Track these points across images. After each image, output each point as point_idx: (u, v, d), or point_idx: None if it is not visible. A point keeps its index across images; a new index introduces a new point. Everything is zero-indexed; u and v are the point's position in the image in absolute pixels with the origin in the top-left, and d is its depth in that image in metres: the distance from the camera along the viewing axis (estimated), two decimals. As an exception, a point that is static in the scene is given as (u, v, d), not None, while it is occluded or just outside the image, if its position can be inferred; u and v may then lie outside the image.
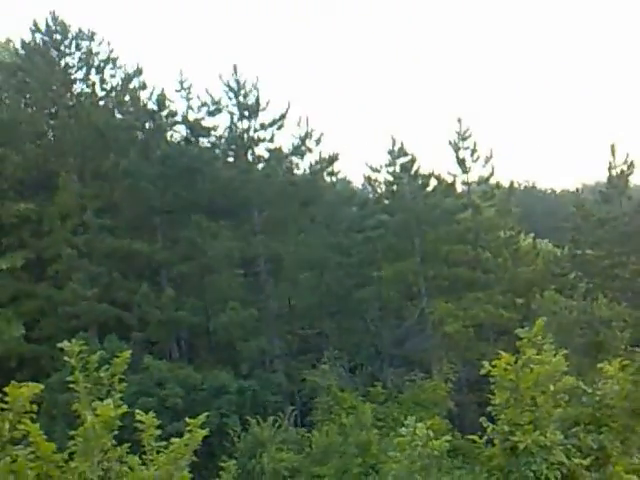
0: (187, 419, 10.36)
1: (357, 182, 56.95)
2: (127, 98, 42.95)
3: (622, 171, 41.77)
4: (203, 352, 40.14)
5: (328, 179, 47.04)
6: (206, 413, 10.82)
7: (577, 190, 55.75)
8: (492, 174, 42.81)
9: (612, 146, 41.76)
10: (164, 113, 42.10)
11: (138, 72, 43.18)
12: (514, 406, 13.02)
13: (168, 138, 43.18)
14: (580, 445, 13.24)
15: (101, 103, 43.83)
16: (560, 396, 13.75)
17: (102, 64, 43.24)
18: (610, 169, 41.94)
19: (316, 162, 44.51)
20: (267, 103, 42.25)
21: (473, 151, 42.23)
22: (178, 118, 42.73)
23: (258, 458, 27.99)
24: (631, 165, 41.64)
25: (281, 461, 27.60)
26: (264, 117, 42.29)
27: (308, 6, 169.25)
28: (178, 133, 43.54)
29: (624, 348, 27.47)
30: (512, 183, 47.29)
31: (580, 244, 41.94)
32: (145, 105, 42.30)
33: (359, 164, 43.30)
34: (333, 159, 44.83)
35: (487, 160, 42.35)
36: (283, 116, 42.53)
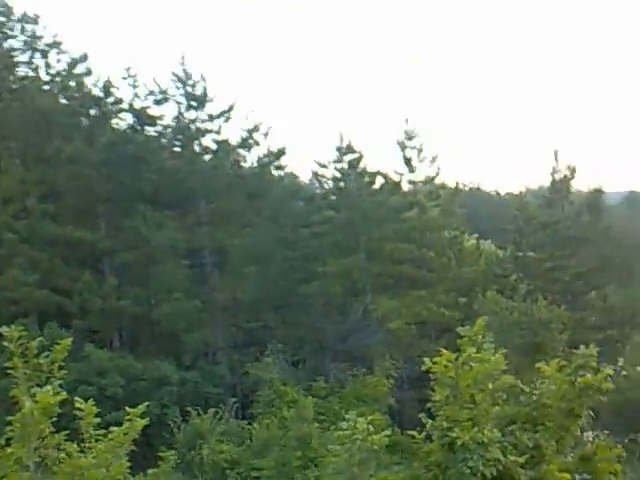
0: (127, 408, 10.30)
1: (304, 177, 56.87)
2: (72, 84, 42.19)
3: (564, 176, 42.58)
4: (145, 342, 39.77)
5: (275, 173, 47.05)
6: (146, 403, 10.79)
7: (521, 193, 56.62)
8: (438, 174, 43.28)
9: (555, 152, 42.61)
10: (110, 100, 41.55)
11: (83, 58, 42.45)
12: (453, 403, 13.21)
13: (113, 125, 42.62)
14: (516, 443, 13.49)
15: (45, 88, 43.00)
16: (498, 394, 14.00)
17: (47, 48, 42.44)
18: (553, 174, 42.72)
19: (264, 155, 44.45)
20: (215, 95, 42.17)
21: (419, 151, 42.62)
22: (124, 106, 42.22)
23: (198, 449, 27.89)
24: (573, 170, 42.48)
25: (221, 453, 27.55)
26: (212, 108, 42.13)
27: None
28: (124, 121, 43.08)
29: (562, 349, 28.04)
30: (457, 184, 47.99)
31: (522, 246, 42.61)
32: (90, 91, 41.64)
33: (307, 159, 43.47)
34: (281, 153, 44.83)
35: (433, 160, 42.80)
36: (231, 108, 42.40)
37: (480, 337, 14.89)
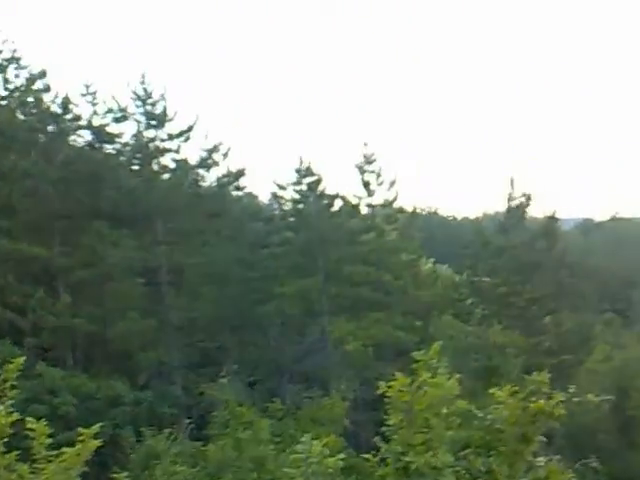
0: (80, 429, 10.17)
1: (264, 198, 56.91)
2: (30, 99, 41.77)
3: (520, 203, 43.27)
4: (99, 361, 39.22)
5: (235, 193, 47.02)
6: (100, 423, 10.64)
7: (477, 219, 57.43)
8: (396, 198, 43.72)
9: (512, 179, 43.28)
10: (68, 117, 41.18)
11: (42, 74, 42.04)
12: (407, 427, 13.24)
13: (71, 142, 42.23)
14: (469, 467, 13.57)
15: (3, 103, 42.50)
16: (452, 419, 14.09)
17: (5, 63, 41.97)
18: (509, 200, 43.36)
19: (223, 175, 44.43)
20: (175, 114, 41.99)
21: (378, 175, 43.07)
22: (83, 122, 41.89)
23: (151, 470, 27.51)
24: (529, 198, 43.17)
25: (175, 474, 27.16)
26: (171, 127, 42.00)
27: (218, 18, 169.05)
28: (82, 138, 42.70)
29: (516, 374, 28.32)
30: (415, 208, 48.54)
31: (478, 271, 43.09)
32: (49, 108, 41.25)
33: (268, 180, 43.56)
34: (240, 174, 44.86)
35: (391, 184, 43.30)
36: (191, 128, 42.30)
37: (435, 361, 14.99)
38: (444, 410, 13.87)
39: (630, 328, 58.74)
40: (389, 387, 13.85)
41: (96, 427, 10.33)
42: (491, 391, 15.06)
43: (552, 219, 44.73)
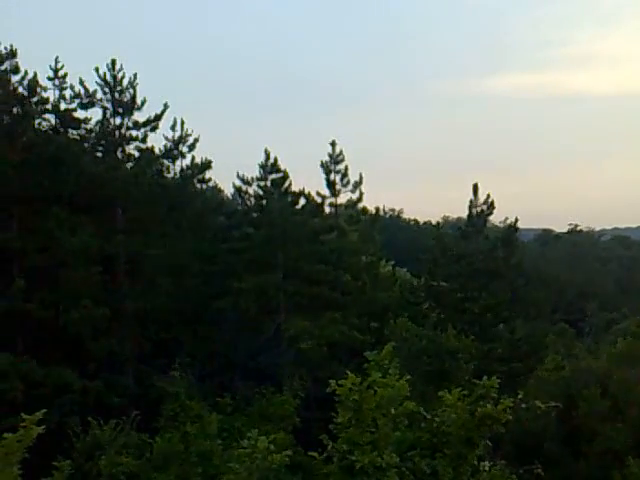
0: (23, 415, 10.06)
1: (229, 192, 56.69)
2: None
3: (482, 210, 43.63)
4: (50, 348, 38.74)
5: (198, 186, 46.79)
6: (43, 410, 10.54)
7: (438, 224, 57.74)
8: (360, 199, 43.79)
9: (475, 185, 43.59)
10: (34, 100, 40.63)
11: (11, 54, 41.41)
12: (355, 426, 13.34)
13: (36, 126, 41.68)
14: (414, 469, 13.71)
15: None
16: (400, 420, 14.22)
17: (-27, 43, 41.23)
18: (471, 207, 43.70)
19: (187, 167, 44.23)
20: (143, 102, 41.55)
21: (344, 175, 43.15)
22: (49, 107, 41.35)
23: (95, 460, 27.28)
24: (491, 206, 43.54)
25: (119, 465, 26.97)
26: (139, 116, 41.65)
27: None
28: (47, 122, 42.16)
29: (467, 379, 28.57)
30: (377, 210, 48.72)
31: (436, 276, 43.36)
32: (15, 89, 40.63)
33: (232, 172, 43.48)
34: (205, 166, 44.70)
35: (356, 185, 43.36)
36: (158, 117, 41.98)
37: (387, 362, 15.13)
38: (392, 410, 14.00)
39: (582, 339, 59.71)
40: (340, 386, 13.95)
41: (39, 414, 10.23)
42: (440, 394, 15.23)
43: (512, 228, 45.22)
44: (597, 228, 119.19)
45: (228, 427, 30.75)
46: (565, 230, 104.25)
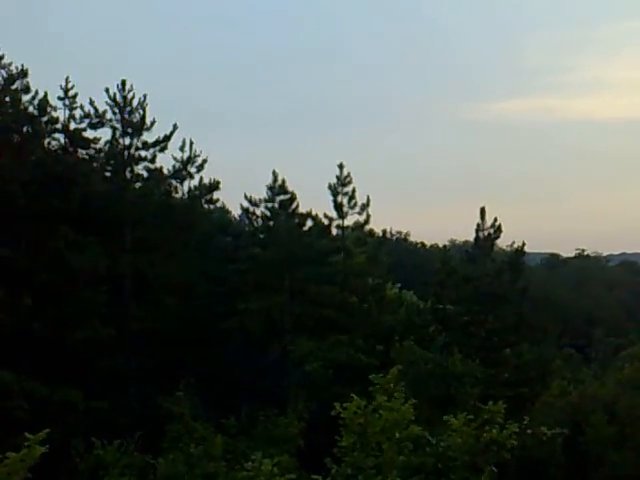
0: (27, 434, 10.02)
1: (236, 212, 56.69)
2: (7, 99, 41.39)
3: (489, 234, 43.64)
4: (55, 366, 38.69)
5: (206, 206, 46.88)
6: (47, 430, 10.48)
7: (445, 247, 57.70)
8: (367, 221, 43.81)
9: (482, 209, 43.63)
10: (44, 119, 40.89)
11: (23, 74, 41.76)
12: (359, 449, 13.29)
13: (45, 145, 41.91)
14: (419, 493, 13.62)
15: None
16: (405, 444, 14.15)
17: (-15, 61, 41.59)
18: (478, 231, 43.71)
19: (195, 188, 44.32)
20: (152, 123, 41.75)
21: (351, 197, 43.21)
22: (58, 126, 41.60)
23: (99, 481, 27.23)
24: (498, 229, 43.55)
25: (123, 486, 26.92)
26: (148, 136, 41.83)
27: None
28: (57, 141, 42.37)
29: (472, 403, 28.45)
30: (385, 232, 48.81)
31: (442, 299, 43.30)
32: (26, 108, 40.90)
33: (240, 193, 43.67)
34: (213, 187, 44.79)
35: (364, 207, 43.39)
36: (167, 138, 42.15)
37: (392, 385, 15.07)
38: (397, 434, 13.94)
39: (588, 364, 59.35)
40: (344, 409, 13.90)
41: (43, 433, 10.19)
42: (446, 418, 15.15)
43: (519, 252, 45.16)
44: (605, 253, 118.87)
45: (232, 449, 30.63)
46: (572, 255, 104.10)
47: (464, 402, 29.16)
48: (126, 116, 41.42)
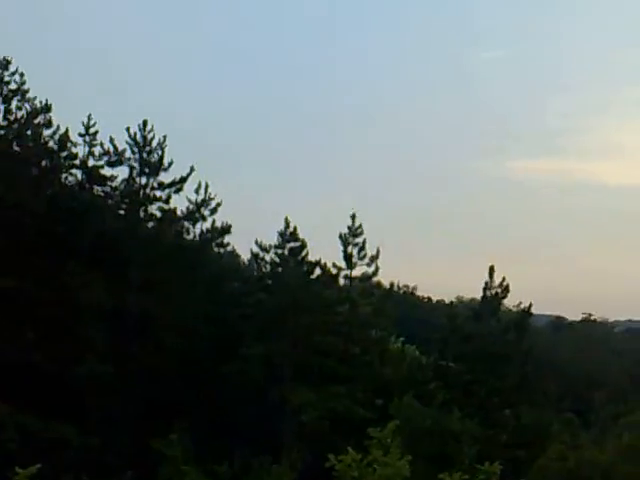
0: (17, 468, 10.07)
1: (244, 256, 56.82)
2: (29, 132, 42.04)
3: (496, 293, 43.70)
4: (51, 400, 38.60)
5: (216, 249, 47.09)
6: (38, 465, 10.51)
7: (452, 303, 57.69)
8: (375, 273, 43.96)
9: (491, 267, 43.78)
10: (63, 154, 41.49)
11: (46, 108, 42.49)
12: (352, 504, 13.27)
13: (62, 180, 42.44)
14: None
15: (1, 132, 42.70)
16: (398, 501, 14.10)
17: (10, 94, 42.35)
18: (485, 289, 43.79)
19: (207, 230, 44.56)
20: (170, 164, 42.24)
21: (361, 249, 43.42)
22: (77, 162, 42.19)
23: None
24: (506, 289, 43.61)
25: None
26: (164, 176, 42.26)
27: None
28: (74, 177, 42.91)
29: (469, 463, 28.30)
30: (392, 285, 48.81)
31: (445, 355, 43.23)
32: (46, 143, 41.54)
33: (251, 237, 44.02)
34: (225, 230, 45.00)
35: (373, 259, 43.55)
36: (184, 179, 42.50)
37: (389, 440, 15.09)
38: (390, 491, 13.91)
39: (588, 430, 58.75)
40: (339, 461, 13.90)
41: (34, 468, 10.23)
42: (441, 477, 15.13)
43: (526, 313, 45.15)
44: (611, 319, 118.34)
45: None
46: (579, 318, 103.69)
47: (460, 461, 29.00)
48: (145, 156, 41.91)
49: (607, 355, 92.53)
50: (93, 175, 42.26)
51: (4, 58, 42.03)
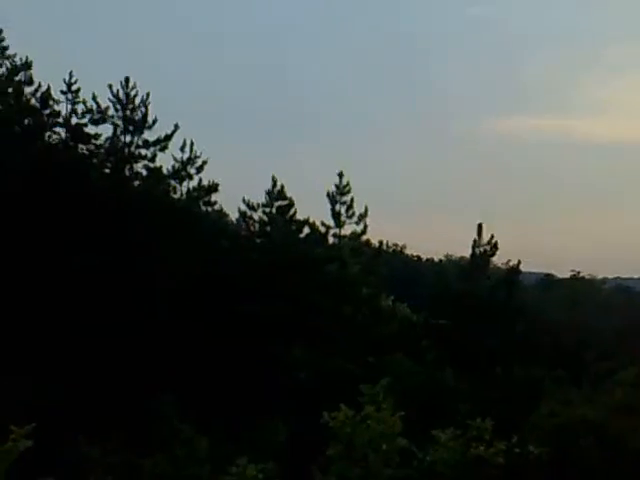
0: (13, 427, 9.94)
1: (232, 215, 56.41)
2: (10, 90, 41.32)
3: (485, 251, 43.59)
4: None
5: (204, 208, 46.67)
6: (33, 424, 10.39)
7: (441, 261, 57.66)
8: (364, 232, 43.78)
9: (479, 225, 43.63)
10: (46, 112, 40.81)
11: (27, 65, 41.71)
12: (346, 459, 13.19)
13: (46, 138, 41.78)
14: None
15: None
16: (391, 456, 14.05)
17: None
18: (474, 247, 43.67)
19: (194, 189, 44.12)
20: (154, 121, 41.64)
21: (349, 207, 43.15)
22: (60, 120, 41.51)
23: (83, 478, 26.99)
24: (494, 246, 43.51)
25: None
26: (149, 135, 41.71)
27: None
28: (57, 135, 42.26)
29: (461, 419, 28.31)
30: (381, 243, 48.59)
31: (436, 314, 43.20)
32: (28, 100, 40.85)
33: (238, 196, 43.55)
34: (212, 189, 44.57)
35: (361, 217, 43.33)
36: (168, 137, 41.99)
37: (381, 397, 14.98)
38: (384, 446, 13.84)
39: (579, 387, 59.08)
40: (333, 418, 13.81)
41: (29, 427, 10.11)
42: (434, 432, 15.06)
43: (514, 271, 45.11)
44: (599, 276, 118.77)
45: (218, 452, 30.44)
46: (567, 275, 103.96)
47: (452, 417, 29.00)
48: (128, 113, 41.31)
49: (596, 312, 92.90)
50: (77, 133, 41.60)
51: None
